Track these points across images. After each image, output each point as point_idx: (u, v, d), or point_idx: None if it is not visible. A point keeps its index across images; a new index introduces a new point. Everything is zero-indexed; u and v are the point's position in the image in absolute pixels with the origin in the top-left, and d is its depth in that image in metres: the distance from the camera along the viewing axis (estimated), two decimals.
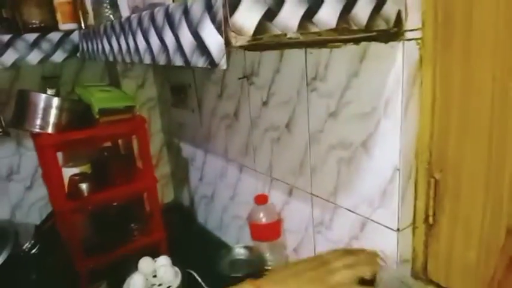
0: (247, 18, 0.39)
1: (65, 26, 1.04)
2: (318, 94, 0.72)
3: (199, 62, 0.44)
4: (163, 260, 0.94)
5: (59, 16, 1.04)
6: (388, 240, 0.65)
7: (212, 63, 0.42)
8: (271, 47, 0.43)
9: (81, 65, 1.26)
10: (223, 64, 0.40)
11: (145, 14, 0.56)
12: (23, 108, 0.97)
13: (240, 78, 0.91)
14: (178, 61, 0.49)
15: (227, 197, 1.14)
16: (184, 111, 1.24)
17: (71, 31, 1.04)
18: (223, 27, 0.38)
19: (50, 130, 0.95)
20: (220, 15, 0.38)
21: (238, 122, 0.99)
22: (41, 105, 0.95)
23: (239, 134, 1.00)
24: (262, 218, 0.88)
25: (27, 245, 1.12)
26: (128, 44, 0.65)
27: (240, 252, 0.98)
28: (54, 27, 1.04)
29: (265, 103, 0.87)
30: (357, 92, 0.64)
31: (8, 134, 1.14)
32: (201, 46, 0.43)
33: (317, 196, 0.79)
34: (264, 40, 0.41)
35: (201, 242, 1.23)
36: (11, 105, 1.07)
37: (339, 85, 0.67)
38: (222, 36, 0.39)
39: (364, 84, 0.63)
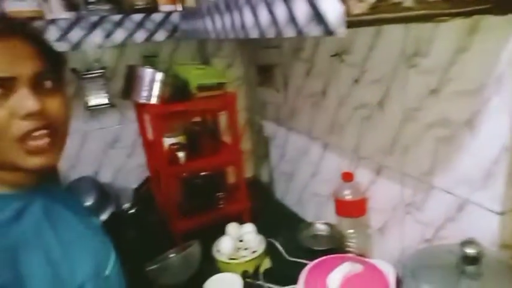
0: None
1: (164, 8, 1.13)
2: (417, 71, 0.70)
3: (315, 31, 0.46)
4: (250, 227, 1.00)
5: None
6: (488, 223, 0.63)
7: (329, 32, 0.43)
8: (378, 22, 0.44)
9: (176, 45, 1.35)
10: (341, 32, 0.41)
11: None
12: (131, 82, 1.09)
13: (332, 56, 0.92)
14: (290, 32, 0.51)
15: (308, 174, 1.16)
16: (269, 90, 1.28)
17: (170, 12, 1.13)
18: None
19: (154, 101, 1.05)
20: None
21: (325, 100, 1.00)
22: (147, 78, 1.05)
23: (325, 112, 1.01)
24: (348, 194, 0.89)
25: (126, 205, 1.27)
26: (233, 20, 0.69)
27: (320, 227, 1.00)
28: (155, 9, 1.13)
29: (356, 81, 0.86)
30: (463, 68, 0.62)
31: (114, 105, 1.28)
32: (317, 15, 0.45)
33: (409, 175, 0.77)
34: (381, 9, 0.42)
35: (280, 216, 1.27)
36: (116, 81, 1.20)
37: (443, 61, 0.65)
38: (342, 3, 0.40)
39: (473, 59, 0.60)
